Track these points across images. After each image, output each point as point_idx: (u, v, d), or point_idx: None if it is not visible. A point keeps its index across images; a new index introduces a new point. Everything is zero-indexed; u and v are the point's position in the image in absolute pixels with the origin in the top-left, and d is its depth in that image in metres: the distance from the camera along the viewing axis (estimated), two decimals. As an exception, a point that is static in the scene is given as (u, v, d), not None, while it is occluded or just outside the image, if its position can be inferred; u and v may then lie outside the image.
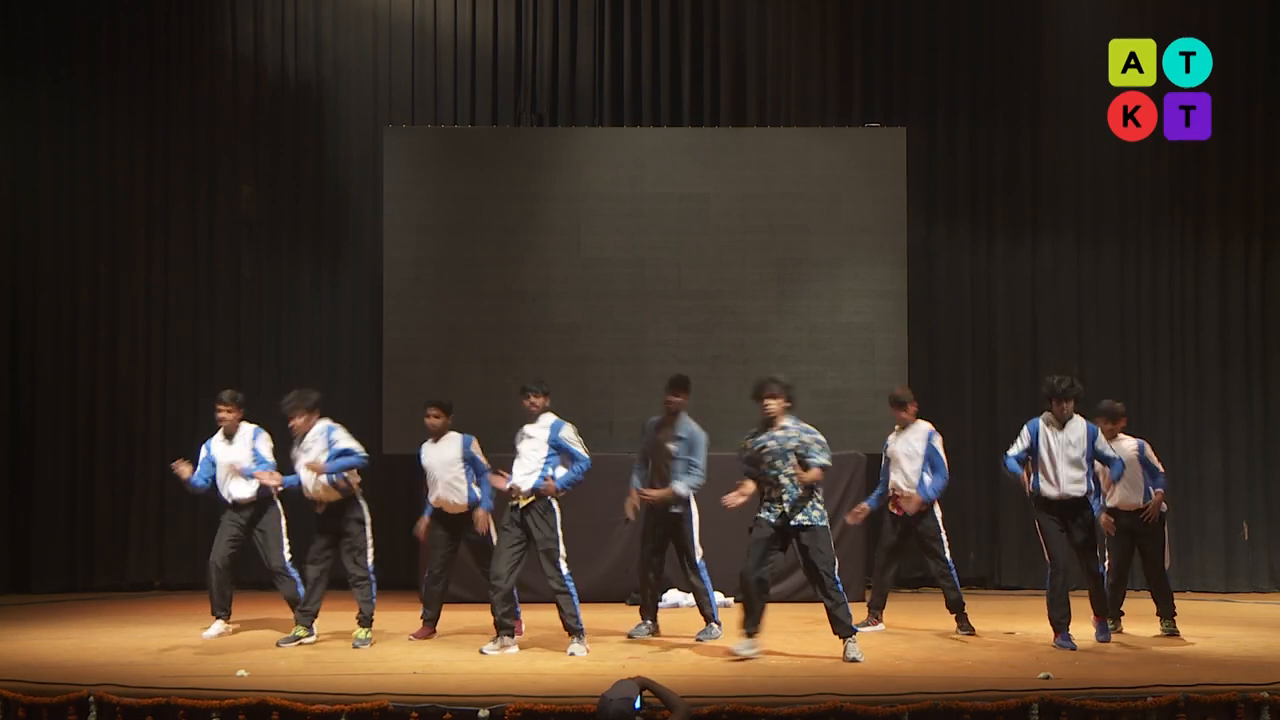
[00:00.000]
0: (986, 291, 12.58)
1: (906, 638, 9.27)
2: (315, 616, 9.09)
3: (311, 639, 9.03)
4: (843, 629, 8.31)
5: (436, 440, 9.28)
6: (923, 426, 9.64)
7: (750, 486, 8.41)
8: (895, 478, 9.57)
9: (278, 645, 8.87)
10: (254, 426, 9.57)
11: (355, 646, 8.82)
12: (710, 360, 11.82)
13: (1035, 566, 11.98)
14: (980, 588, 12.05)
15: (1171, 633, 9.31)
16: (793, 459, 8.23)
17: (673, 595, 10.98)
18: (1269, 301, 12.42)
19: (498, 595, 8.55)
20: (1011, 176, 12.61)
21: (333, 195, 12.58)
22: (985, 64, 12.58)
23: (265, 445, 9.52)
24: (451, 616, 9.60)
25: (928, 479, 9.46)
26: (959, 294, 12.59)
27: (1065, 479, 8.76)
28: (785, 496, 8.23)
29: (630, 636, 9.27)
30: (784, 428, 8.34)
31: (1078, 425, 8.84)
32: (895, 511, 9.59)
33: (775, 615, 8.78)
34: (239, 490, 9.41)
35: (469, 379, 11.59)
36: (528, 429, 8.77)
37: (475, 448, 9.19)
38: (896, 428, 9.72)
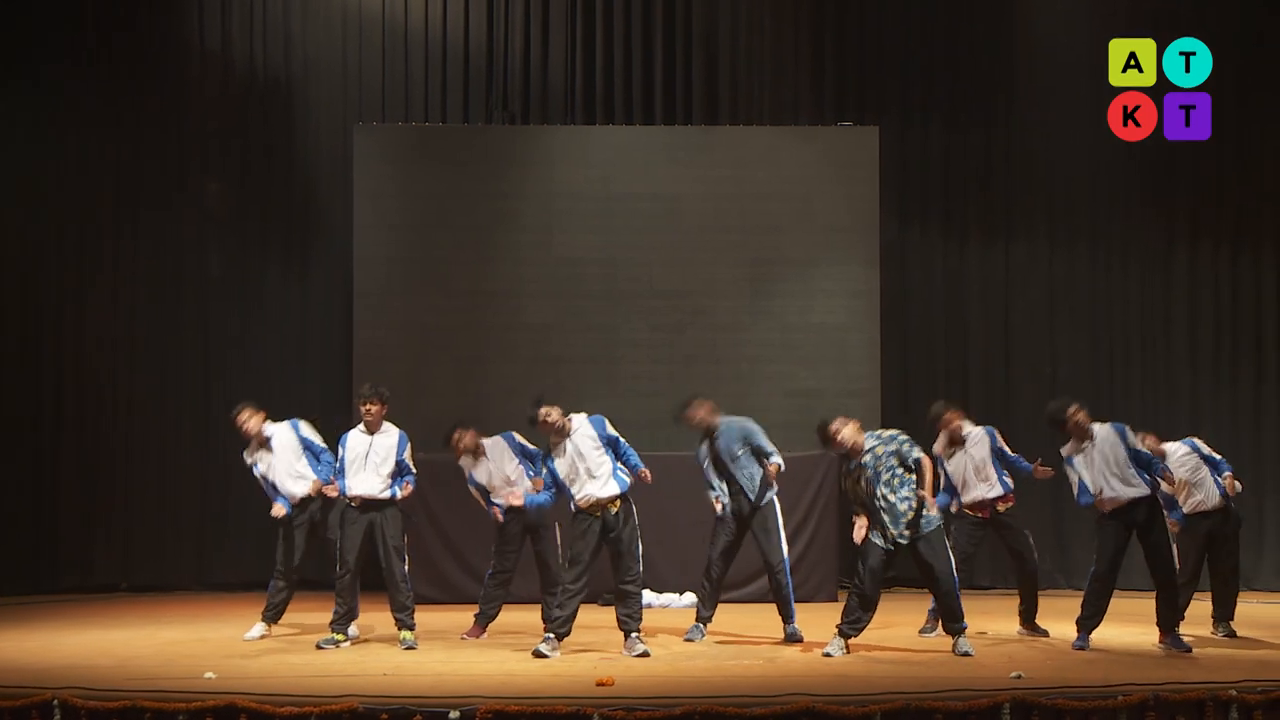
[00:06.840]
0: (960, 291, 12.59)
1: (880, 638, 9.25)
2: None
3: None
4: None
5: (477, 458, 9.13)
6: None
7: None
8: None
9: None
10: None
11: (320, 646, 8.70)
12: (683, 360, 11.77)
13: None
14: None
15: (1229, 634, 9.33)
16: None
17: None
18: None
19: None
20: (985, 176, 12.62)
21: (303, 193, 12.50)
22: (960, 63, 12.58)
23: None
24: (420, 618, 9.50)
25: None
26: (932, 294, 12.59)
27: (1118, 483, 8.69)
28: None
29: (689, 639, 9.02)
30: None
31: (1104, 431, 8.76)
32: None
33: (748, 615, 8.73)
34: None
35: (441, 378, 11.52)
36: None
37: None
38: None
